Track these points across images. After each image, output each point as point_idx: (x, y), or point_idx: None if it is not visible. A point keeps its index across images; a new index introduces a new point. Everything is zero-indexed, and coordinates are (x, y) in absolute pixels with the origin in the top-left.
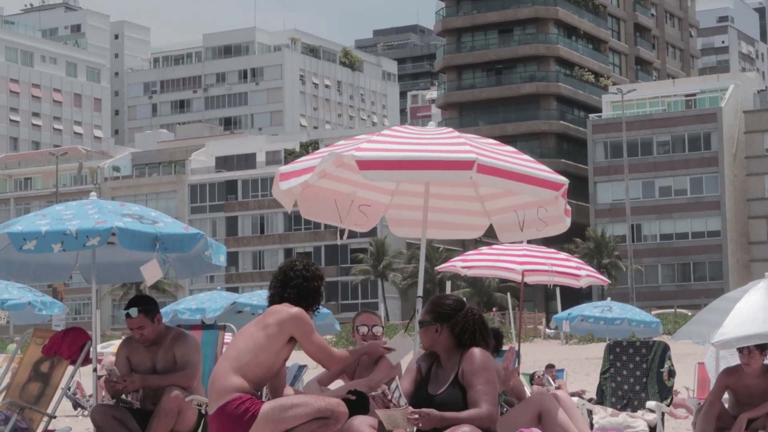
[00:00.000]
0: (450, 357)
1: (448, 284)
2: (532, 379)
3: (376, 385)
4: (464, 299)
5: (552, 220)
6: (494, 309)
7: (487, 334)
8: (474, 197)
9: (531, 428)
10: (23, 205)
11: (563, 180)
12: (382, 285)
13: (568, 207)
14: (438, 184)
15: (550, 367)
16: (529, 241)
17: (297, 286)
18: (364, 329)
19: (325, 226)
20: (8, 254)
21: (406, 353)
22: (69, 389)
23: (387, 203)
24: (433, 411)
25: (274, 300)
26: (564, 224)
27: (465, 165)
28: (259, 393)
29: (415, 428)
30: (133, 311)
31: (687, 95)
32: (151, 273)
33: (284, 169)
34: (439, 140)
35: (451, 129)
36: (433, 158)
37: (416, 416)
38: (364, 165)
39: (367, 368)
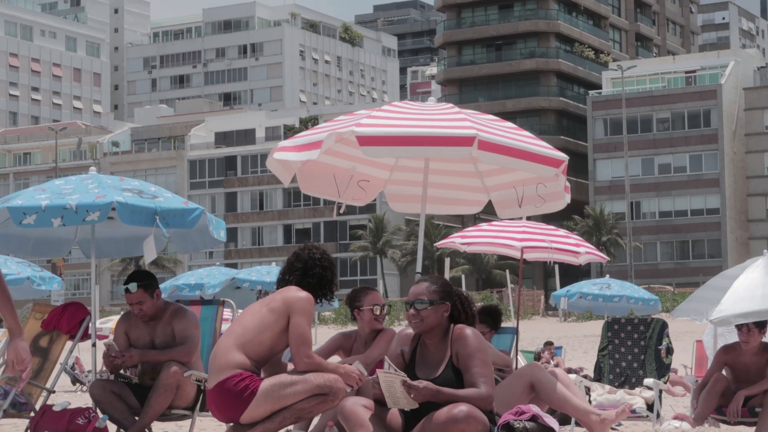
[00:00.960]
0: (438, 338)
1: (447, 261)
2: (537, 358)
3: (373, 362)
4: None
5: (551, 196)
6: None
7: (471, 309)
8: (473, 173)
9: (528, 404)
10: (22, 180)
11: (563, 156)
12: (381, 262)
13: (568, 184)
14: (438, 159)
15: (548, 344)
16: (529, 218)
17: (316, 275)
18: (377, 309)
19: (325, 202)
20: (7, 228)
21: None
22: (68, 365)
23: (386, 179)
24: (429, 384)
25: (288, 285)
26: (563, 201)
27: (465, 141)
28: (259, 371)
29: (416, 406)
30: (133, 286)
31: (687, 72)
32: (150, 251)
33: (283, 144)
34: (440, 116)
35: (451, 105)
36: (434, 134)
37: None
38: (364, 141)
39: (364, 345)
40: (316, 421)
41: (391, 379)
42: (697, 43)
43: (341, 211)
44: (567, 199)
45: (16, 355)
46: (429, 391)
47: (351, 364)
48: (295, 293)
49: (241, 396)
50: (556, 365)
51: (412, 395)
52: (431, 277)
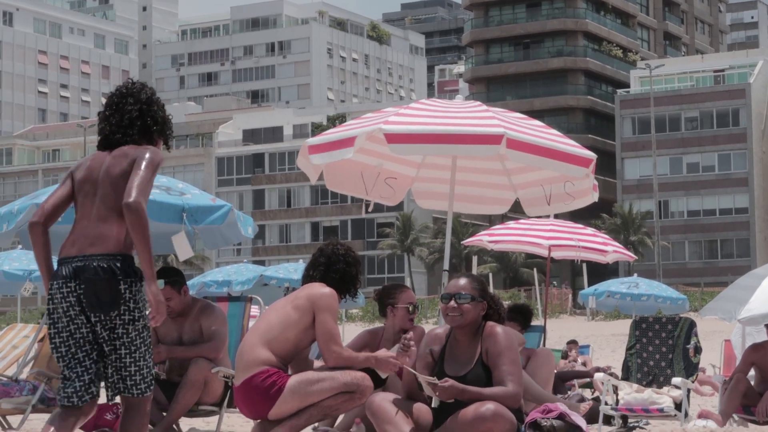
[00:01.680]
0: (470, 335)
1: (475, 259)
2: (564, 357)
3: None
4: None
5: (579, 194)
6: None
7: (503, 310)
8: (501, 171)
9: (557, 404)
10: (51, 176)
11: (592, 155)
12: (408, 259)
13: (596, 182)
14: (465, 157)
15: (572, 342)
16: (556, 216)
17: (340, 270)
18: (412, 307)
19: (352, 199)
20: None
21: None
22: None
23: (413, 176)
24: (454, 382)
25: (312, 281)
26: (591, 198)
27: (494, 139)
28: (286, 367)
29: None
30: (160, 283)
31: (715, 71)
32: (182, 249)
33: (312, 141)
34: (468, 114)
35: (479, 102)
36: (462, 132)
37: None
38: (392, 138)
39: (391, 342)
40: (341, 418)
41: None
42: (726, 42)
43: (369, 210)
44: (595, 196)
45: (153, 297)
46: (454, 389)
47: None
48: (318, 289)
49: (268, 392)
50: (583, 364)
51: (437, 393)
52: (470, 274)
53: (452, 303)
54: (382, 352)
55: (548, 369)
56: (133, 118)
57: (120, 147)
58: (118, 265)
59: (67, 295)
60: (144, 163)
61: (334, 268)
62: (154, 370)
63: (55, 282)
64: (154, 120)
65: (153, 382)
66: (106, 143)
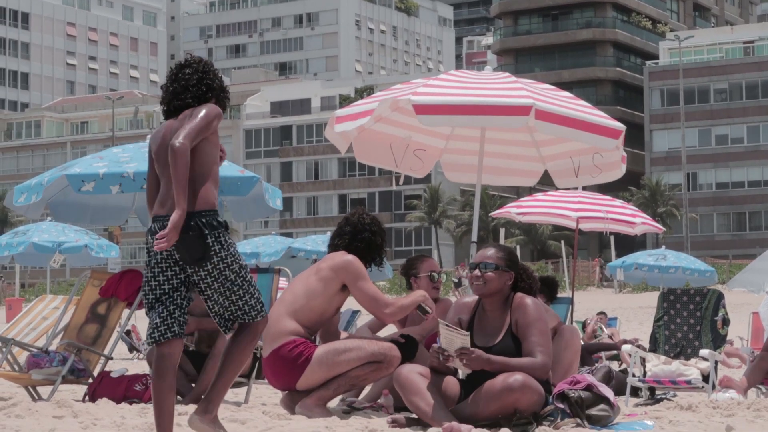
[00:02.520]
0: (498, 306)
1: (502, 231)
2: (584, 326)
3: (429, 333)
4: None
5: (607, 166)
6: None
7: (536, 284)
8: (530, 142)
9: (583, 374)
10: (80, 149)
11: (621, 127)
12: (436, 232)
13: (624, 154)
14: (493, 129)
15: (601, 314)
16: (584, 188)
17: (365, 239)
18: (435, 276)
19: (380, 171)
20: (66, 197)
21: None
22: (126, 333)
23: (442, 148)
24: (481, 352)
25: (337, 249)
26: (620, 171)
27: (522, 111)
28: (313, 337)
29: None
30: None
31: (745, 42)
32: None
33: (340, 112)
34: (497, 85)
35: (508, 74)
36: (491, 103)
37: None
38: (421, 110)
39: (418, 315)
40: (369, 389)
41: (451, 337)
42: (756, 14)
43: (400, 182)
44: (623, 169)
45: (172, 224)
46: (480, 359)
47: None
48: (341, 257)
49: (295, 363)
50: (611, 336)
51: (464, 362)
52: (499, 244)
53: (476, 272)
54: (423, 291)
55: (573, 351)
56: (190, 85)
57: (183, 111)
58: (204, 221)
59: (161, 250)
60: (199, 114)
61: (360, 237)
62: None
63: (149, 235)
64: (209, 87)
65: (262, 307)
66: (170, 112)
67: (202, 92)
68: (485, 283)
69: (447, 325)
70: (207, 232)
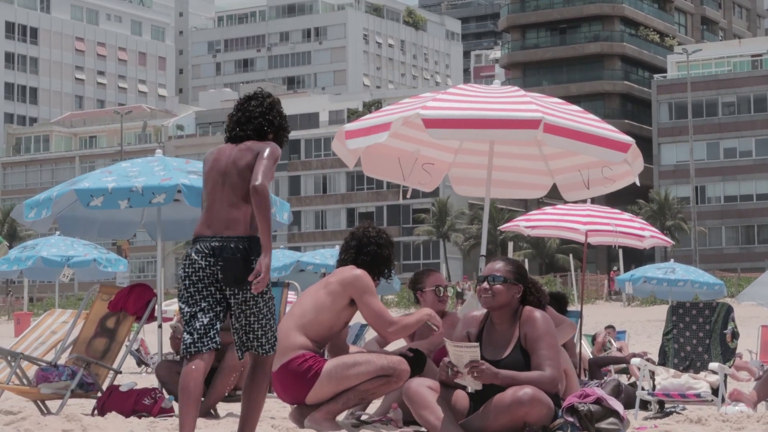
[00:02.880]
0: (507, 319)
1: (510, 245)
2: (593, 340)
3: (436, 347)
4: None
5: (618, 176)
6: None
7: (545, 298)
8: (538, 156)
9: (593, 389)
10: (88, 163)
11: (629, 140)
12: (444, 245)
13: (629, 167)
14: (502, 142)
15: (609, 327)
16: (593, 201)
17: (371, 253)
18: (440, 290)
19: (388, 185)
20: (74, 211)
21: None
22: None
23: (450, 161)
24: (490, 366)
25: (345, 264)
26: (632, 177)
27: (531, 124)
28: (322, 351)
29: (480, 387)
30: None
31: (753, 55)
32: None
33: (349, 127)
34: (505, 99)
35: (516, 87)
36: (499, 117)
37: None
38: (430, 123)
39: (428, 327)
40: (376, 403)
41: (459, 353)
42: (764, 27)
43: (408, 195)
44: (636, 172)
45: (264, 267)
46: (489, 373)
47: (411, 348)
48: (349, 272)
49: (305, 377)
50: (620, 349)
51: (474, 375)
52: (507, 258)
53: (485, 284)
54: (428, 309)
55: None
56: (253, 117)
57: (244, 142)
58: (251, 246)
59: (205, 268)
60: (266, 154)
61: (365, 250)
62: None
63: (193, 253)
64: (269, 123)
65: (276, 343)
66: (230, 138)
67: (262, 127)
68: (494, 296)
69: (454, 344)
70: (252, 257)
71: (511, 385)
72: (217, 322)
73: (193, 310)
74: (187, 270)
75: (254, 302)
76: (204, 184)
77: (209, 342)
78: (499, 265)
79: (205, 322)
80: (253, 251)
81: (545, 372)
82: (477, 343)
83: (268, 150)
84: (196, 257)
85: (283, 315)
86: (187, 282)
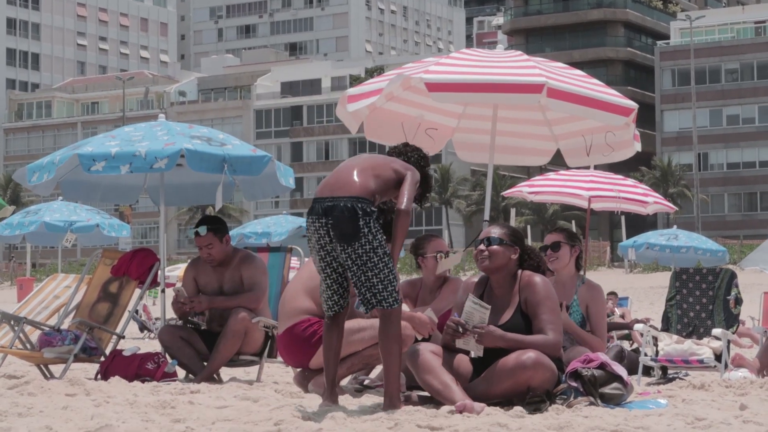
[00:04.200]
0: (506, 284)
1: (513, 211)
2: None
3: (439, 312)
4: None
5: (620, 145)
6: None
7: (544, 264)
8: (542, 121)
9: (597, 353)
10: (90, 129)
11: (633, 105)
12: (446, 212)
13: (637, 132)
14: (505, 107)
15: (611, 294)
16: (596, 167)
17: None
18: (441, 256)
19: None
20: (77, 176)
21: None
22: (136, 312)
23: (454, 127)
24: (495, 328)
25: None
26: (633, 149)
27: (534, 88)
28: None
29: (481, 354)
30: (202, 229)
31: (757, 22)
32: (218, 198)
33: (352, 91)
34: (509, 63)
35: (520, 52)
36: (503, 81)
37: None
38: (433, 87)
39: (430, 293)
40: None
41: (472, 311)
42: None
43: None
44: (637, 147)
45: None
46: (494, 335)
47: (424, 313)
48: None
49: (309, 341)
50: (622, 316)
51: (476, 338)
52: (503, 223)
53: (481, 246)
54: (421, 315)
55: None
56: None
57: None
58: (359, 206)
59: (319, 229)
60: (410, 181)
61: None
62: (195, 319)
63: (309, 217)
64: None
65: (399, 296)
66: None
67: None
68: (490, 257)
69: (474, 300)
70: (360, 215)
71: (515, 348)
72: (340, 280)
73: (319, 268)
74: (308, 232)
75: (368, 258)
76: (348, 163)
77: (341, 301)
78: (495, 229)
79: (332, 285)
80: (363, 210)
81: (548, 336)
82: (489, 306)
83: (410, 176)
84: (310, 221)
85: (286, 280)
86: (310, 244)
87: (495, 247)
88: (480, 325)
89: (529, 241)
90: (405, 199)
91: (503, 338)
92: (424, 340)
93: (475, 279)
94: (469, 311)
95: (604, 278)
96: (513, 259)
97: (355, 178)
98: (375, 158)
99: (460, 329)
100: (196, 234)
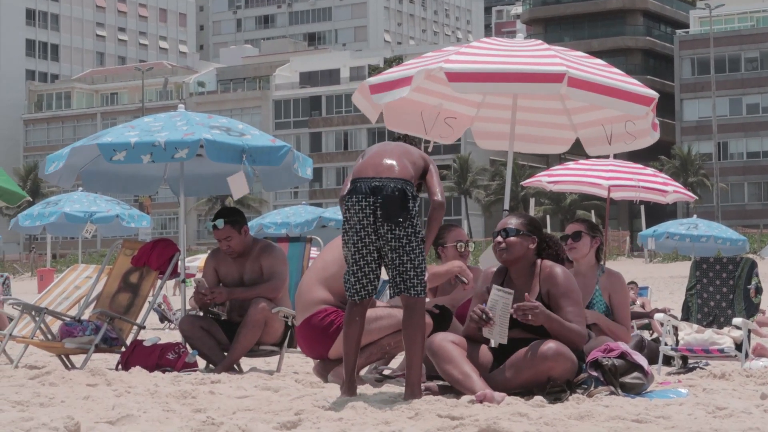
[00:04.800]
0: (524, 273)
1: (532, 201)
2: None
3: (459, 302)
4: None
5: (640, 133)
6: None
7: (563, 252)
8: (561, 110)
9: (618, 343)
10: (110, 120)
11: (653, 94)
12: (465, 202)
13: (656, 121)
14: (525, 96)
15: (632, 284)
16: (616, 157)
17: None
18: (461, 246)
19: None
20: (97, 166)
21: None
22: (159, 306)
23: (473, 115)
24: (543, 307)
25: None
26: (652, 138)
27: (555, 78)
28: (344, 306)
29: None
30: (220, 222)
31: None
32: (237, 186)
33: (373, 80)
34: (529, 52)
35: (540, 41)
36: (523, 71)
37: (528, 307)
38: (453, 77)
39: (450, 282)
40: (401, 357)
41: (496, 298)
42: None
43: (429, 150)
44: (655, 136)
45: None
46: (543, 314)
47: (436, 305)
48: None
49: (327, 331)
50: (642, 305)
51: (529, 317)
52: (520, 212)
53: (498, 238)
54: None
55: None
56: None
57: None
58: (408, 188)
59: (365, 208)
60: (436, 171)
61: None
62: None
63: (353, 196)
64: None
65: (426, 287)
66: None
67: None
68: (508, 248)
69: (498, 288)
70: (409, 197)
71: (558, 331)
72: (374, 266)
73: (352, 251)
74: (347, 215)
75: (407, 241)
76: (381, 149)
77: (369, 286)
78: (510, 219)
79: (365, 268)
80: (411, 193)
81: (581, 328)
82: (512, 291)
83: (434, 168)
84: (354, 200)
85: (305, 270)
86: (346, 226)
87: (512, 238)
88: (532, 302)
89: (548, 231)
90: (439, 190)
91: (549, 318)
92: (440, 329)
93: (494, 269)
94: (495, 299)
95: (624, 268)
96: (531, 249)
97: (397, 162)
98: (403, 146)
99: (485, 317)
100: (214, 227)
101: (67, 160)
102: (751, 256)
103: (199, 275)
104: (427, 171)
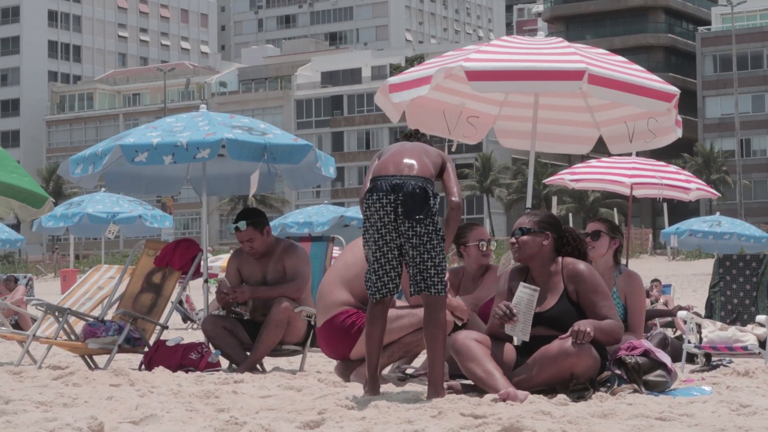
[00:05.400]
0: (545, 270)
1: (554, 199)
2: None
3: (482, 301)
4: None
5: (662, 131)
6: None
7: (584, 246)
8: (584, 108)
9: (641, 341)
10: (132, 120)
11: (675, 90)
12: (487, 200)
13: (679, 118)
14: (547, 94)
15: (655, 281)
16: (638, 154)
17: None
18: (483, 245)
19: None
20: (120, 167)
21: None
22: (180, 303)
23: (495, 114)
24: (592, 325)
25: None
26: (674, 135)
27: (575, 75)
28: (365, 307)
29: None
30: (242, 224)
31: None
32: (252, 183)
33: (393, 80)
34: (549, 50)
35: (560, 39)
36: (543, 68)
37: (585, 334)
38: (473, 76)
39: (472, 281)
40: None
41: (522, 295)
42: None
43: (453, 149)
44: (678, 133)
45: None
46: (595, 329)
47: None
48: None
49: (348, 332)
50: (665, 303)
51: (581, 340)
52: (535, 210)
53: (512, 239)
54: (457, 300)
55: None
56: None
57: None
58: (429, 186)
59: (385, 206)
60: (453, 171)
61: None
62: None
63: (374, 194)
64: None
65: (447, 285)
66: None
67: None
68: (520, 248)
69: (524, 285)
70: (430, 195)
71: (609, 333)
72: (395, 264)
73: (373, 249)
74: (367, 212)
75: (428, 239)
76: (398, 152)
77: (390, 284)
78: (523, 218)
79: (386, 267)
80: (431, 191)
81: (618, 322)
82: (538, 288)
83: (451, 167)
84: (375, 198)
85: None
86: (367, 225)
87: (524, 237)
88: (584, 330)
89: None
90: (456, 190)
91: (600, 330)
92: (461, 326)
93: (518, 268)
94: (520, 296)
95: (647, 266)
96: (545, 246)
97: (417, 161)
98: (422, 145)
99: (509, 312)
100: (236, 229)
101: (102, 166)
102: None
103: (221, 275)
104: (444, 169)
